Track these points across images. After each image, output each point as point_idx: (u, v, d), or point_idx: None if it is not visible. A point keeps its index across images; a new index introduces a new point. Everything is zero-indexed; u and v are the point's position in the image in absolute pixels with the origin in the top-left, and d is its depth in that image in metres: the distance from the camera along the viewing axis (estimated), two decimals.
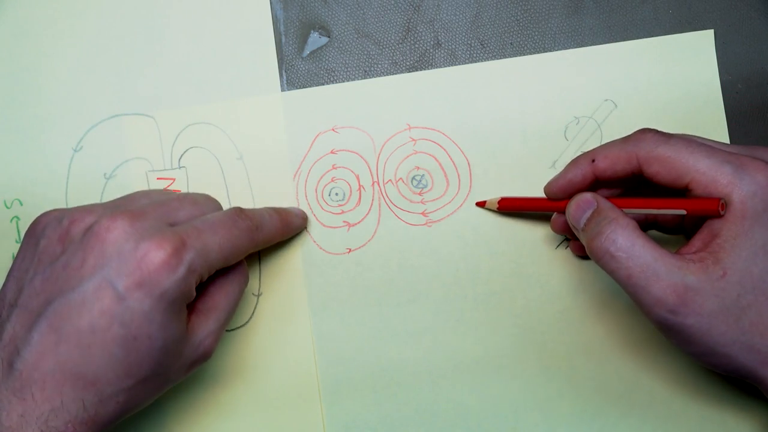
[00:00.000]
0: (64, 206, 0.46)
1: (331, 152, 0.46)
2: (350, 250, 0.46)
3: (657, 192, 0.39)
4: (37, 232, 0.38)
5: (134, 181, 0.46)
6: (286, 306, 0.46)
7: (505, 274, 0.46)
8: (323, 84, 0.47)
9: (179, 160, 0.46)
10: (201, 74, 0.46)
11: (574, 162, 0.41)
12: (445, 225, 0.46)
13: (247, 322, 0.45)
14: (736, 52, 0.46)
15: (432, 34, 0.47)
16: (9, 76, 0.46)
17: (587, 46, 0.46)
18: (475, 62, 0.46)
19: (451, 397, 0.45)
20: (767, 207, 0.35)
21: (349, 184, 0.46)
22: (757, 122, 0.46)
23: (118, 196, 0.44)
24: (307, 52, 0.47)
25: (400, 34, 0.47)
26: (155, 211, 0.38)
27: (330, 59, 0.47)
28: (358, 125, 0.46)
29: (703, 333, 0.36)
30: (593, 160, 0.40)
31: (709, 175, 0.36)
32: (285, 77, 0.47)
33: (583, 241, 0.39)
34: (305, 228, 0.45)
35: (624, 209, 0.38)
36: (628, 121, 0.46)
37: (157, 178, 0.46)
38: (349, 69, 0.47)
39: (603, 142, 0.45)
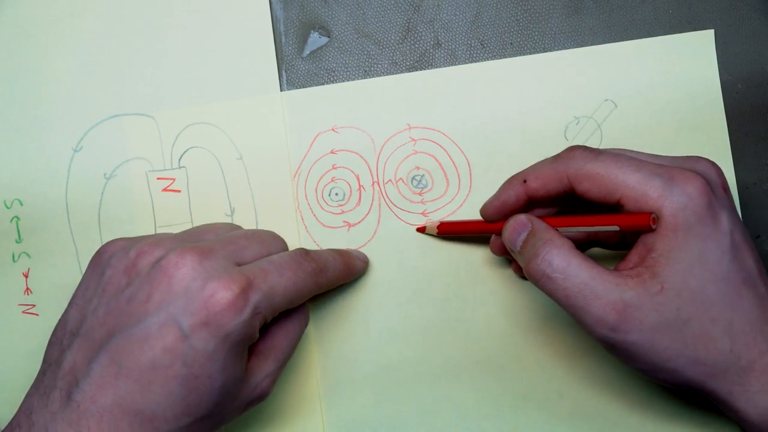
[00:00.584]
0: (63, 205, 0.46)
1: (331, 152, 0.46)
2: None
3: (593, 209, 0.39)
4: (102, 261, 0.38)
5: (134, 181, 0.46)
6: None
7: (505, 274, 0.46)
8: (323, 84, 0.47)
9: (179, 160, 0.46)
10: (201, 74, 0.46)
11: (507, 183, 0.41)
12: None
13: None
14: (736, 52, 0.46)
15: (432, 34, 0.47)
16: (9, 77, 0.46)
17: (587, 46, 0.46)
18: (475, 62, 0.46)
19: (451, 397, 0.45)
20: (699, 218, 0.35)
21: (349, 184, 0.46)
22: (757, 122, 0.46)
23: (119, 196, 0.44)
24: (307, 52, 0.47)
25: (400, 34, 0.47)
26: (223, 249, 0.38)
27: (330, 59, 0.47)
28: (358, 125, 0.46)
29: (646, 349, 0.36)
30: (525, 181, 0.40)
31: (639, 189, 0.36)
32: (285, 77, 0.47)
33: (521, 264, 0.39)
34: (365, 272, 0.45)
35: (559, 228, 0.38)
36: (628, 121, 0.46)
37: (157, 178, 0.46)
38: (349, 69, 0.47)
39: (603, 142, 0.45)
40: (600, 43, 0.46)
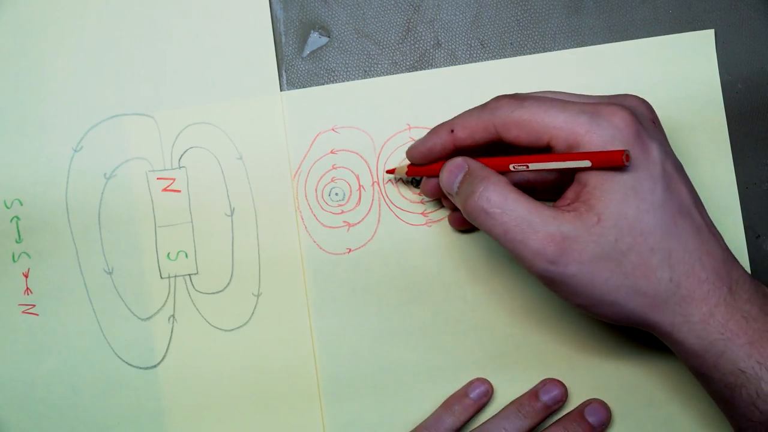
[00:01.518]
0: (63, 205, 0.46)
1: (331, 152, 0.46)
2: (350, 250, 0.46)
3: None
4: None
5: (134, 181, 0.46)
6: (285, 306, 0.46)
7: (505, 274, 0.46)
8: (323, 84, 0.47)
9: (179, 159, 0.46)
10: (201, 74, 0.46)
11: (434, 130, 0.41)
12: (445, 225, 0.46)
13: (246, 322, 0.45)
14: (736, 52, 0.46)
15: (432, 34, 0.47)
16: (10, 77, 0.46)
17: (587, 46, 0.46)
18: (475, 62, 0.46)
19: None
20: (629, 148, 0.35)
21: (349, 184, 0.46)
22: (757, 122, 0.46)
23: (119, 195, 0.44)
24: (307, 52, 0.47)
25: (400, 34, 0.47)
26: None
27: (330, 59, 0.47)
28: (358, 125, 0.46)
29: (586, 282, 0.36)
30: (452, 130, 0.40)
31: (566, 128, 0.36)
32: (285, 77, 0.47)
33: (459, 205, 0.39)
34: None
35: (531, 165, 0.37)
36: None
37: (157, 178, 0.46)
38: (349, 69, 0.47)
39: None
40: (600, 43, 0.46)
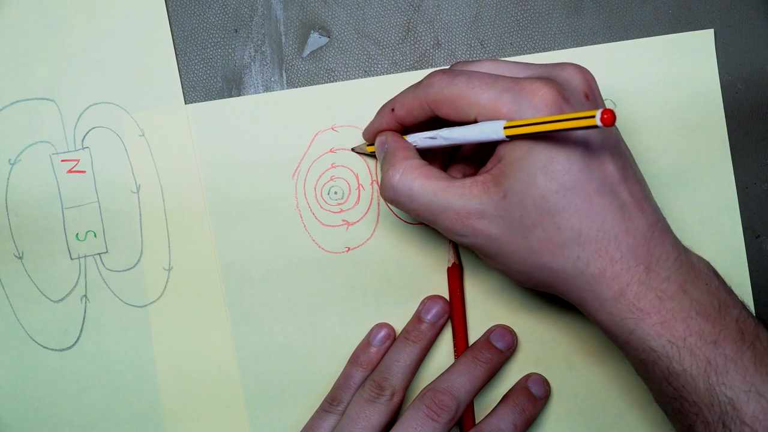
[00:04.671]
0: None
1: (330, 151, 0.46)
2: (349, 248, 0.46)
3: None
4: None
5: (39, 164, 0.46)
6: (197, 277, 0.46)
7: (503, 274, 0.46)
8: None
9: (82, 140, 0.46)
10: (100, 58, 0.46)
11: (379, 111, 0.42)
12: None
13: (159, 297, 0.46)
14: (736, 52, 0.46)
15: (432, 34, 0.47)
16: None
17: (587, 45, 0.46)
18: None
19: None
20: None
21: (348, 183, 0.46)
22: (757, 122, 0.46)
23: (24, 180, 0.45)
24: (307, 52, 0.47)
25: (400, 34, 0.47)
26: None
27: (330, 59, 0.47)
28: (357, 124, 0.46)
29: (495, 252, 0.37)
30: (393, 110, 0.40)
31: (490, 107, 0.36)
32: (285, 77, 0.47)
33: None
34: None
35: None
36: (627, 120, 0.46)
37: (62, 160, 0.46)
38: (349, 69, 0.47)
39: None
40: (600, 43, 0.46)
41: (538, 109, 0.34)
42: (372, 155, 0.45)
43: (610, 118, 0.31)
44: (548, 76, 0.36)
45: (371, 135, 0.43)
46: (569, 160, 0.34)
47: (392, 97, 0.41)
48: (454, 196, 0.37)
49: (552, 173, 0.34)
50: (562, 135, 0.35)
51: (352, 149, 0.46)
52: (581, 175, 0.35)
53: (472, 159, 0.43)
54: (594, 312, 0.37)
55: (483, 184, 0.36)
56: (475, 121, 0.36)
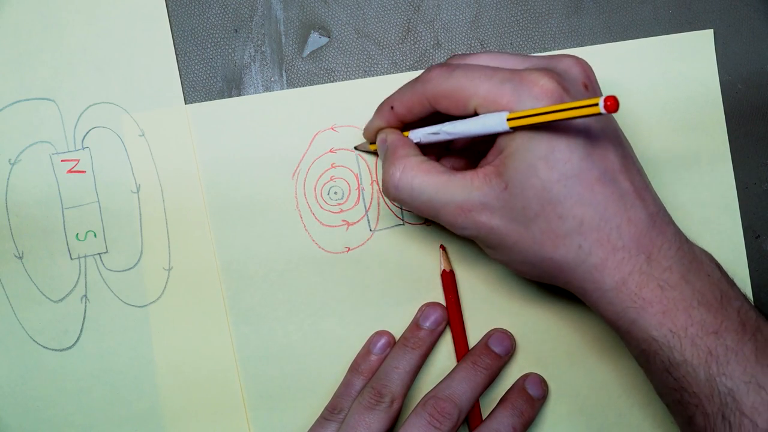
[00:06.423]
0: None
1: (330, 151, 0.46)
2: (349, 249, 0.46)
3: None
4: None
5: (39, 164, 0.46)
6: (197, 277, 0.46)
7: (504, 273, 0.46)
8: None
9: (82, 140, 0.46)
10: (100, 57, 0.46)
11: (378, 110, 0.41)
12: None
13: (159, 297, 0.46)
14: (736, 52, 0.46)
15: (432, 34, 0.47)
16: None
17: (587, 45, 0.46)
18: None
19: None
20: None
21: (348, 183, 0.46)
22: (757, 122, 0.46)
23: (24, 180, 0.45)
24: (307, 52, 0.47)
25: (400, 34, 0.47)
26: None
27: (330, 59, 0.47)
28: (357, 124, 0.46)
29: (497, 242, 0.37)
30: (392, 107, 0.40)
31: (490, 98, 0.35)
32: (285, 77, 0.47)
33: None
34: None
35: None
36: (627, 120, 0.45)
37: (62, 160, 0.46)
38: (349, 69, 0.47)
39: None
40: (600, 43, 0.46)
41: (538, 99, 0.34)
42: (375, 153, 0.46)
43: (613, 104, 0.31)
44: (547, 67, 0.36)
45: (371, 134, 0.42)
46: (570, 150, 0.34)
47: (390, 94, 0.41)
48: (455, 189, 0.37)
49: (553, 163, 0.34)
50: (563, 125, 0.34)
51: (355, 148, 0.46)
52: (582, 164, 0.35)
53: (464, 152, 0.43)
54: (596, 302, 0.36)
55: (484, 175, 0.36)
56: (475, 113, 0.36)
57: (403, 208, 0.46)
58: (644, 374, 0.38)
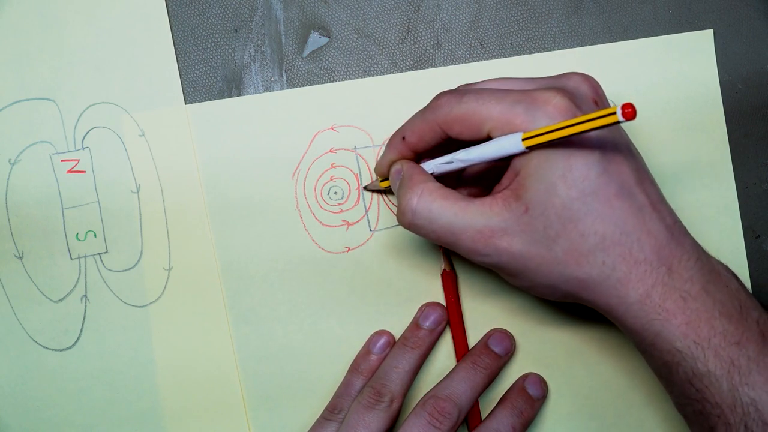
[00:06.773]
0: None
1: (330, 151, 0.46)
2: (349, 249, 0.46)
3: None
4: None
5: (39, 164, 0.46)
6: (197, 278, 0.46)
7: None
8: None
9: (82, 140, 0.46)
10: (101, 57, 0.46)
11: (390, 143, 0.41)
12: None
13: (159, 297, 0.46)
14: (735, 52, 0.46)
15: (432, 34, 0.47)
16: None
17: (587, 46, 0.46)
18: (475, 62, 0.47)
19: None
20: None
21: (348, 183, 0.46)
22: (757, 122, 0.46)
23: (24, 180, 0.45)
24: (307, 52, 0.47)
25: (400, 34, 0.47)
26: None
27: (330, 59, 0.47)
28: (357, 124, 0.46)
29: (520, 268, 0.36)
30: (404, 138, 0.40)
31: (503, 119, 0.35)
32: (285, 77, 0.47)
33: None
34: None
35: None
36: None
37: (62, 160, 0.46)
38: (349, 69, 0.47)
39: None
40: (600, 43, 0.46)
41: (552, 117, 0.34)
42: (386, 191, 0.45)
43: (631, 111, 0.31)
44: (557, 86, 0.36)
45: (384, 168, 0.42)
46: (587, 166, 0.34)
47: (400, 126, 0.40)
48: (474, 215, 0.36)
49: (572, 181, 0.34)
50: (578, 141, 0.34)
51: (365, 188, 0.46)
52: (600, 180, 0.35)
53: (476, 181, 0.43)
54: (621, 316, 0.36)
55: (503, 200, 0.36)
56: (488, 137, 0.36)
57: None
58: (661, 384, 0.38)
